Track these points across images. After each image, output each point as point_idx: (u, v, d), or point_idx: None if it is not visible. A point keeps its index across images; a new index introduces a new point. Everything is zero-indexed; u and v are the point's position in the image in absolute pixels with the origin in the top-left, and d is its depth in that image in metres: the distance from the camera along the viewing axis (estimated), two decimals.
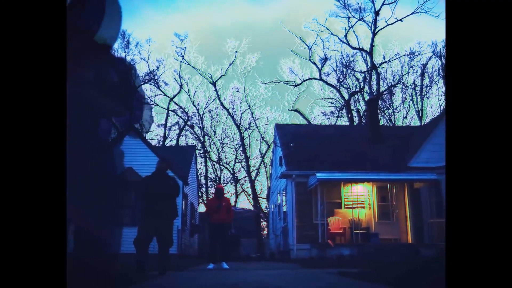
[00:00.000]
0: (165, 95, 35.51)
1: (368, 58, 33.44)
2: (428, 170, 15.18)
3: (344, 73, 34.63)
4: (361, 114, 32.56)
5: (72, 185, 1.57)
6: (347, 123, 33.50)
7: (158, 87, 34.73)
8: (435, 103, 35.33)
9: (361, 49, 33.86)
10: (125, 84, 1.65)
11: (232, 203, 27.64)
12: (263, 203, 34.56)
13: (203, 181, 35.78)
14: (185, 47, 35.40)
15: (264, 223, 34.02)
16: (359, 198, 15.98)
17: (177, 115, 36.08)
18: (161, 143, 34.48)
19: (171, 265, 7.12)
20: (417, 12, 32.12)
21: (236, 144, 36.26)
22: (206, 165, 36.32)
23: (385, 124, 33.74)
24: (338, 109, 35.29)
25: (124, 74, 1.67)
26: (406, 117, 34.87)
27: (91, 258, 1.59)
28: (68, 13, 1.63)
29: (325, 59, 34.52)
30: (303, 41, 34.92)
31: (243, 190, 37.26)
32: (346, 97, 34.28)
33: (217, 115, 36.99)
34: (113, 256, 1.65)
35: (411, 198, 15.65)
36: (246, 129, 35.67)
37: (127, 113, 1.64)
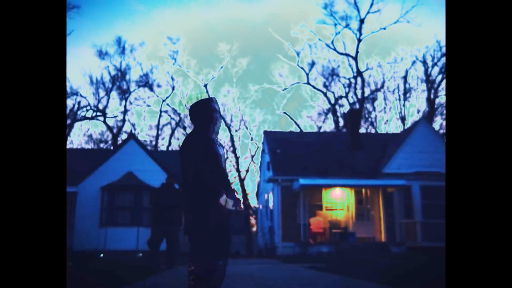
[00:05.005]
0: (158, 96, 37.08)
1: (353, 64, 35.28)
2: (400, 176, 17.02)
3: (329, 79, 36.46)
4: (346, 118, 34.27)
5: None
6: (333, 125, 35.39)
7: (152, 89, 36.29)
8: (415, 107, 37.23)
9: (347, 55, 35.68)
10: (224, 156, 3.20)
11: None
12: (253, 201, 36.22)
13: None
14: (177, 50, 36.68)
15: (253, 221, 35.80)
16: (338, 201, 17.76)
17: (170, 116, 37.69)
18: (153, 142, 36.19)
19: (176, 261, 8.71)
20: (400, 22, 34.11)
21: (227, 145, 37.83)
22: None
23: (368, 128, 35.65)
24: (324, 113, 37.17)
25: (223, 150, 3.21)
26: (388, 121, 36.84)
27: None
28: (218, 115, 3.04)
29: (312, 64, 36.38)
30: (292, 48, 36.67)
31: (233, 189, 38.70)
32: (332, 101, 36.17)
33: None
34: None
35: (384, 201, 17.42)
36: (236, 130, 37.36)
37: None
